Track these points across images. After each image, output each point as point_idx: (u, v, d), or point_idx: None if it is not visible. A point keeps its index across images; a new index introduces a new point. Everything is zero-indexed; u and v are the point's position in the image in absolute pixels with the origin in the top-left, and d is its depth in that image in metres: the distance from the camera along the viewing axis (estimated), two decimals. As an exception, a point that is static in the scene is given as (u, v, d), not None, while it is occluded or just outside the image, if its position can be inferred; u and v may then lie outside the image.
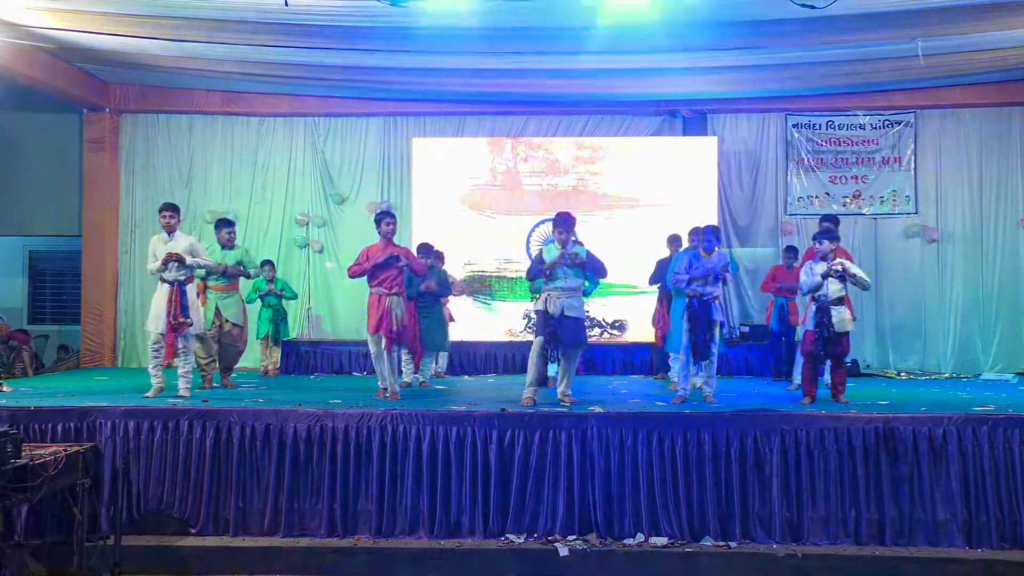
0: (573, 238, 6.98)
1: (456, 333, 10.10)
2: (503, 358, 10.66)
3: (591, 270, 6.96)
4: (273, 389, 8.28)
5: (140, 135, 11.64)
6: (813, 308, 7.09)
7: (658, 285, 9.14)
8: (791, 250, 9.48)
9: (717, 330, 7.26)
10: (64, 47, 9.28)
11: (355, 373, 10.44)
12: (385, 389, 7.38)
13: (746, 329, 10.79)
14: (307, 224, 11.68)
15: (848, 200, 11.34)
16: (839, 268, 6.99)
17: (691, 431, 6.12)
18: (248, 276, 8.59)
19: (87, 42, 8.95)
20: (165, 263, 7.17)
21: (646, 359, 10.28)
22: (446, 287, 9.09)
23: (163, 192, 11.31)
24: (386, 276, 7.32)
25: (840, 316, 7.02)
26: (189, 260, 7.24)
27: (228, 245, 8.34)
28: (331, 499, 6.18)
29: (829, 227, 7.41)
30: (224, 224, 8.46)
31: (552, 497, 6.09)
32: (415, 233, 10.81)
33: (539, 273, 6.94)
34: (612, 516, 6.07)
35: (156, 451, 6.31)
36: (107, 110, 11.30)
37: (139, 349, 11.29)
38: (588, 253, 6.96)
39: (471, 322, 10.95)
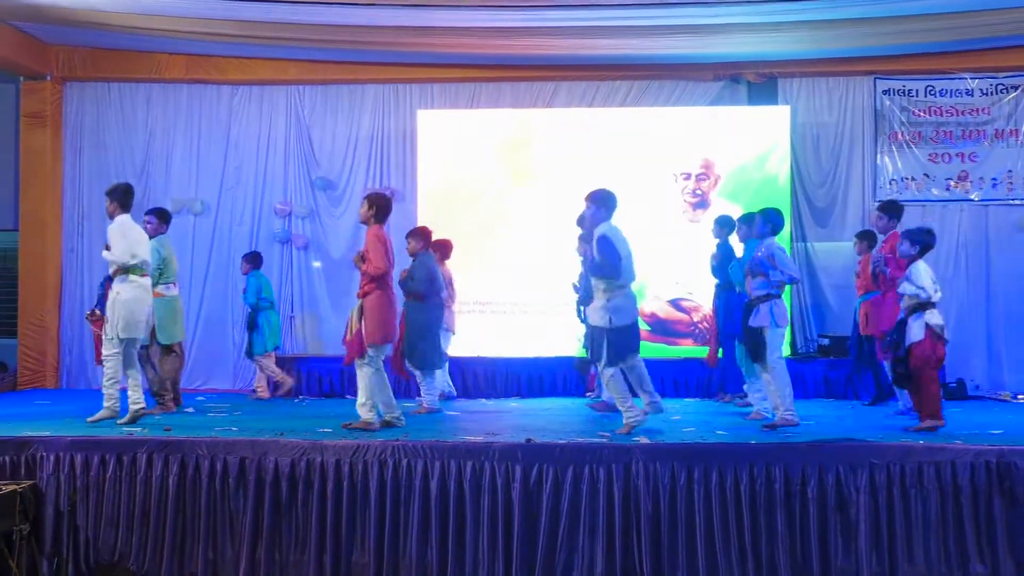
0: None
1: (470, 348, 10.06)
2: (527, 378, 10.68)
3: (592, 265, 7.05)
4: (249, 416, 8.34)
5: (88, 108, 11.76)
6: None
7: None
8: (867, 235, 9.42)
9: (766, 337, 7.34)
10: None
11: (348, 396, 10.48)
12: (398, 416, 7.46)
13: (825, 342, 10.74)
14: (288, 215, 11.75)
15: (952, 183, 11.25)
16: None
17: (759, 466, 6.10)
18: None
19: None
20: None
21: (702, 377, 10.26)
22: (425, 282, 8.63)
23: (116, 176, 11.37)
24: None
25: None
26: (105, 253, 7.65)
27: (149, 235, 8.45)
28: (320, 550, 6.20)
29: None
30: (151, 212, 8.80)
31: (589, 547, 6.08)
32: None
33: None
34: (662, 570, 6.05)
35: (109, 490, 6.35)
36: (48, 78, 11.41)
37: (88, 367, 11.40)
38: (603, 239, 6.89)
39: (489, 334, 10.99)
